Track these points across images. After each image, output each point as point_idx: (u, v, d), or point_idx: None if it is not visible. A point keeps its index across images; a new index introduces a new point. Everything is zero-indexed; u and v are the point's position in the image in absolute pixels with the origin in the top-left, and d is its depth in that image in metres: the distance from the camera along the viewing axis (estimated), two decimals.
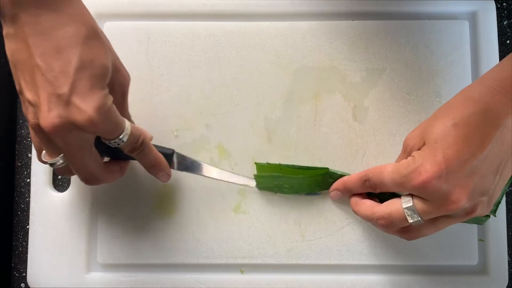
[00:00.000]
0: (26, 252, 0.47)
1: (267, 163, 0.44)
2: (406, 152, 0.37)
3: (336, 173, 0.43)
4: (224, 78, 0.46)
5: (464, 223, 0.44)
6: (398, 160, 0.39)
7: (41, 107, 0.31)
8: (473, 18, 0.47)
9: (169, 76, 0.46)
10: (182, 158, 0.42)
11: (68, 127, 0.31)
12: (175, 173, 0.45)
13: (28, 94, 0.32)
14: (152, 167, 0.39)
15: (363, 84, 0.46)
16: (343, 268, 0.45)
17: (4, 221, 0.48)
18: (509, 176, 0.34)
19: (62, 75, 0.30)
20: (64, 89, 0.30)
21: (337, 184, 0.43)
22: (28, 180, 0.48)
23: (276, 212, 0.45)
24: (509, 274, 0.45)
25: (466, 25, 0.46)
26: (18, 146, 0.49)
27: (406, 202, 0.35)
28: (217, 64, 0.46)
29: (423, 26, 0.46)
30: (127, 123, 0.34)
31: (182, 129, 0.46)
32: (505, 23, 0.49)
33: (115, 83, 0.36)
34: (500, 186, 0.34)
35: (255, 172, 0.45)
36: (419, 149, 0.35)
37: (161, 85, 0.46)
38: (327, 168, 0.43)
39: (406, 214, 0.35)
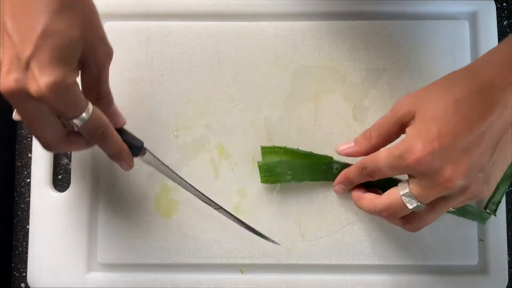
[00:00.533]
0: (26, 252, 0.47)
1: (273, 145, 0.44)
2: (393, 118, 0.36)
3: (339, 162, 0.43)
4: (224, 78, 0.46)
5: (465, 221, 0.44)
6: (381, 127, 0.37)
7: (2, 68, 0.30)
8: (473, 18, 0.47)
9: (169, 76, 0.46)
10: (150, 156, 0.41)
11: (23, 93, 0.30)
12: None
13: None
14: (112, 156, 0.38)
15: (363, 84, 0.46)
16: (343, 268, 0.45)
17: (4, 221, 0.48)
18: (508, 156, 0.33)
19: (26, 38, 0.29)
20: (26, 53, 0.29)
21: (339, 177, 0.42)
22: (28, 180, 0.48)
23: (276, 212, 0.45)
24: (509, 274, 0.45)
25: (466, 25, 0.46)
26: (18, 146, 0.49)
27: (402, 189, 0.35)
28: (217, 64, 0.46)
29: (423, 26, 0.46)
30: (89, 108, 0.33)
31: (182, 129, 0.46)
32: (505, 23, 0.49)
33: (90, 57, 0.33)
34: (499, 165, 0.33)
35: (256, 169, 0.45)
36: (408, 121, 0.34)
37: (161, 85, 0.46)
38: (331, 157, 0.43)
39: (404, 201, 0.35)
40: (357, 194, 0.41)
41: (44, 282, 0.45)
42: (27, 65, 0.29)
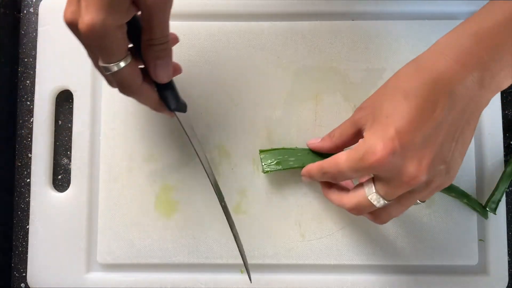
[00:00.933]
0: (26, 252, 0.47)
1: (272, 148, 0.44)
2: (350, 120, 0.37)
3: None
4: (224, 78, 0.46)
5: (465, 221, 0.44)
6: (341, 129, 0.38)
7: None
8: None
9: None
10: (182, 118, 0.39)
11: (75, 26, 0.31)
12: (175, 174, 0.45)
13: None
14: (140, 101, 0.37)
15: (363, 84, 0.46)
16: (343, 268, 0.45)
17: (4, 221, 0.48)
18: (468, 143, 0.33)
19: None
20: None
21: (303, 171, 0.41)
22: (28, 180, 0.48)
23: (276, 212, 0.45)
24: (509, 274, 0.45)
25: None
26: (18, 146, 0.49)
27: (368, 189, 0.35)
28: (217, 64, 0.46)
29: (423, 26, 0.46)
30: (120, 63, 0.32)
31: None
32: None
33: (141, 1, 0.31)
34: (459, 154, 0.33)
35: (256, 169, 0.45)
36: (364, 123, 0.35)
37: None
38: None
39: (371, 200, 0.35)
40: (324, 187, 0.41)
41: (44, 282, 0.45)
42: (78, 2, 0.30)
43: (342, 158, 0.35)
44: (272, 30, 0.46)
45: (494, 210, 0.44)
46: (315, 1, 0.47)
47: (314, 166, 0.39)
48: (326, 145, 0.40)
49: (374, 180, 0.35)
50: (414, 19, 0.47)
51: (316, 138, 0.42)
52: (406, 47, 0.46)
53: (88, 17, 0.29)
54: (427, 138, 0.31)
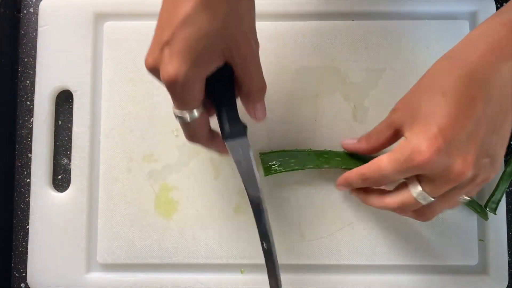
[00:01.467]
0: (26, 252, 0.47)
1: (271, 150, 0.44)
2: (387, 122, 0.36)
3: (339, 153, 0.43)
4: None
5: (465, 221, 0.44)
6: (378, 131, 0.38)
7: (152, 40, 0.32)
8: (473, 18, 0.47)
9: None
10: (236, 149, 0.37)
11: (157, 72, 0.32)
12: (175, 174, 0.45)
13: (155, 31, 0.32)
14: (207, 148, 0.37)
15: (363, 84, 0.46)
16: (343, 268, 0.45)
17: (4, 221, 0.48)
18: (508, 134, 0.33)
19: (168, 23, 0.30)
20: (164, 37, 0.30)
21: (340, 180, 0.41)
22: (28, 180, 0.48)
23: (276, 212, 0.45)
24: (509, 274, 0.45)
25: (466, 25, 0.46)
26: (18, 146, 0.49)
27: (414, 189, 0.35)
28: None
29: (423, 26, 0.46)
30: (195, 112, 0.33)
31: None
32: None
33: (233, 50, 0.32)
34: (501, 145, 0.33)
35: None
36: (402, 124, 0.34)
37: (161, 85, 0.46)
38: (330, 150, 0.44)
39: (417, 199, 0.35)
40: (362, 193, 0.40)
41: (44, 282, 0.45)
42: (162, 49, 0.30)
43: (384, 162, 0.34)
44: (272, 30, 0.46)
45: (494, 210, 0.44)
46: (315, 1, 0.47)
47: (353, 174, 0.38)
48: (363, 147, 0.40)
49: (418, 178, 0.35)
50: (414, 19, 0.47)
51: (352, 139, 0.41)
52: (406, 47, 0.46)
53: (171, 68, 0.30)
54: (470, 133, 0.31)
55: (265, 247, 0.37)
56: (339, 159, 0.43)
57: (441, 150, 0.31)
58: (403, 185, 0.36)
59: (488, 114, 0.32)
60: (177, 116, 0.34)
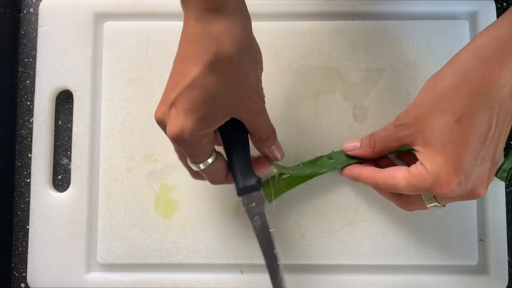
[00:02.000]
0: (26, 252, 0.47)
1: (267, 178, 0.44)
2: (395, 136, 0.36)
3: (330, 156, 0.43)
4: None
5: (466, 221, 0.44)
6: (383, 141, 0.38)
7: (162, 96, 0.33)
8: (473, 18, 0.47)
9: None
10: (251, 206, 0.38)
11: (165, 126, 0.33)
12: (175, 174, 0.45)
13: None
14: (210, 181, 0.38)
15: (363, 84, 0.46)
16: (343, 268, 0.45)
17: (4, 221, 0.48)
18: (508, 131, 0.33)
19: (177, 83, 0.31)
20: (172, 96, 0.31)
21: (349, 173, 0.41)
22: (28, 180, 0.48)
23: (276, 212, 0.45)
24: (509, 274, 0.45)
25: (466, 25, 0.46)
26: (18, 146, 0.49)
27: (430, 202, 0.36)
28: None
29: (423, 26, 0.46)
30: (207, 161, 0.34)
31: None
32: None
33: (241, 110, 0.33)
34: (503, 144, 0.33)
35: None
36: (412, 142, 0.35)
37: (161, 85, 0.46)
38: (320, 157, 0.44)
39: (431, 209, 0.36)
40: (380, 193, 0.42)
41: (44, 282, 0.45)
42: (169, 107, 0.32)
43: (402, 184, 0.35)
44: (272, 30, 0.46)
45: (506, 179, 0.43)
46: (315, 1, 0.47)
47: (366, 176, 0.39)
48: (367, 155, 0.40)
49: (435, 197, 0.36)
50: (414, 19, 0.47)
51: (352, 142, 0.41)
52: (406, 47, 0.46)
53: (175, 126, 0.31)
54: (484, 155, 0.32)
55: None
56: (333, 160, 0.43)
57: (461, 182, 0.32)
58: (417, 197, 0.37)
59: (497, 127, 0.32)
60: (191, 165, 0.35)
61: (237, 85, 0.32)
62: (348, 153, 0.42)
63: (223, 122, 0.33)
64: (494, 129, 0.32)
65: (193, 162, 0.35)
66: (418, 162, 0.34)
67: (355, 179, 0.41)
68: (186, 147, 0.33)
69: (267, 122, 0.37)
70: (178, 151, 0.36)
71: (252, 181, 0.36)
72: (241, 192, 0.37)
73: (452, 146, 0.32)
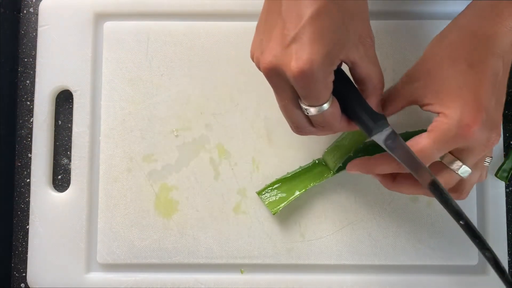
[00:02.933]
0: (26, 252, 0.47)
1: (265, 186, 0.44)
2: (407, 99, 0.36)
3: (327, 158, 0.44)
4: (224, 78, 0.46)
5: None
6: (391, 101, 0.37)
7: (268, 43, 0.31)
8: None
9: (169, 76, 0.46)
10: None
11: (277, 70, 0.30)
12: (175, 174, 0.45)
13: (262, 33, 0.32)
14: (318, 129, 0.35)
15: None
16: (343, 268, 0.45)
17: (4, 221, 0.48)
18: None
19: (295, 20, 0.29)
20: (291, 33, 0.29)
21: (357, 167, 0.39)
22: (28, 180, 0.48)
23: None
24: (509, 274, 0.45)
25: None
26: (18, 146, 0.49)
27: (455, 165, 0.35)
28: (217, 64, 0.46)
29: (423, 26, 0.46)
30: (324, 106, 0.32)
31: (182, 129, 0.46)
32: None
33: (360, 51, 0.32)
34: (505, 90, 0.35)
35: (256, 169, 0.45)
36: (424, 96, 0.34)
37: (161, 85, 0.46)
38: (317, 160, 0.44)
39: (460, 173, 0.35)
40: (387, 179, 0.39)
41: (44, 282, 0.45)
42: (288, 44, 0.29)
43: (427, 143, 0.33)
44: None
45: (506, 179, 0.43)
46: None
47: (382, 162, 0.37)
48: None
49: (458, 156, 0.35)
50: (414, 19, 0.47)
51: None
52: (406, 47, 0.46)
53: (302, 60, 0.29)
54: (496, 99, 0.33)
55: (462, 223, 0.35)
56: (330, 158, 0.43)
57: (483, 121, 0.32)
58: (438, 165, 0.36)
59: (504, 77, 0.33)
60: (305, 110, 0.33)
61: (356, 18, 0.31)
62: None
63: (341, 60, 0.31)
64: (502, 74, 0.33)
65: (312, 106, 0.32)
66: (434, 118, 0.34)
67: (368, 170, 0.38)
68: (311, 84, 0.30)
69: (379, 66, 0.34)
70: (287, 99, 0.33)
71: (380, 118, 0.35)
72: (373, 131, 0.35)
73: (469, 88, 0.32)
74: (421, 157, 0.34)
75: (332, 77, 0.31)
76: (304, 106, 0.32)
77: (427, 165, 0.35)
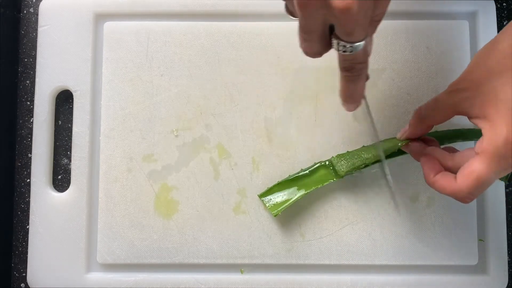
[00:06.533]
0: (26, 252, 0.47)
1: (268, 188, 0.44)
2: (453, 109, 0.34)
3: (330, 161, 0.44)
4: (224, 78, 0.46)
5: (466, 221, 0.44)
6: (434, 110, 0.36)
7: None
8: (473, 18, 0.47)
9: (169, 76, 0.46)
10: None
11: (321, 3, 0.28)
12: (175, 174, 0.45)
13: None
14: (343, 94, 0.35)
15: None
16: (343, 268, 0.45)
17: (4, 221, 0.48)
18: None
19: None
20: None
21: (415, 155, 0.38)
22: (28, 180, 0.48)
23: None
24: (509, 274, 0.45)
25: (466, 25, 0.46)
26: (18, 146, 0.49)
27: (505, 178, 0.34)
28: (217, 64, 0.46)
29: (423, 26, 0.46)
30: (360, 44, 0.30)
31: (182, 129, 0.46)
32: (505, 23, 0.49)
33: None
34: None
35: (256, 169, 0.45)
36: (471, 107, 0.33)
37: (161, 85, 0.46)
38: (320, 163, 0.44)
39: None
40: (430, 173, 0.37)
41: (44, 282, 0.45)
42: None
43: (483, 170, 0.32)
44: (272, 30, 0.46)
45: (506, 179, 0.43)
46: None
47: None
48: (419, 130, 0.38)
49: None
50: (414, 19, 0.47)
51: (403, 129, 0.39)
52: (406, 47, 0.46)
53: None
54: None
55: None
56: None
57: None
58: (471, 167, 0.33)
59: None
60: (343, 48, 0.31)
61: None
62: (402, 138, 0.39)
63: None
64: None
65: (354, 42, 0.30)
66: (483, 135, 0.32)
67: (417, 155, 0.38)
68: (356, 17, 0.28)
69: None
70: (316, 34, 0.31)
71: None
72: None
73: None
74: (481, 187, 0.32)
75: (371, 12, 0.29)
76: (341, 43, 0.30)
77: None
